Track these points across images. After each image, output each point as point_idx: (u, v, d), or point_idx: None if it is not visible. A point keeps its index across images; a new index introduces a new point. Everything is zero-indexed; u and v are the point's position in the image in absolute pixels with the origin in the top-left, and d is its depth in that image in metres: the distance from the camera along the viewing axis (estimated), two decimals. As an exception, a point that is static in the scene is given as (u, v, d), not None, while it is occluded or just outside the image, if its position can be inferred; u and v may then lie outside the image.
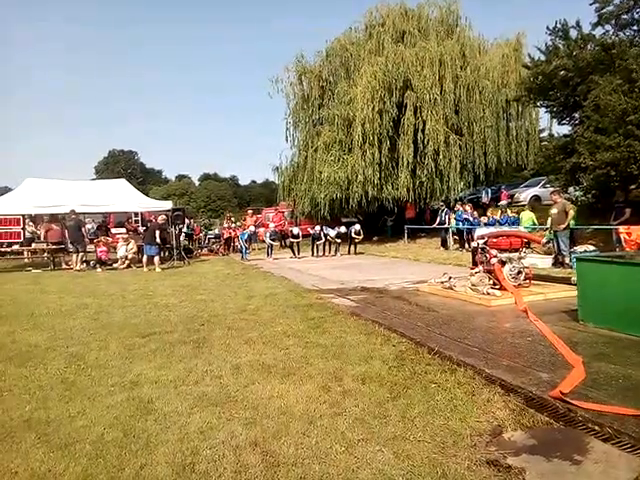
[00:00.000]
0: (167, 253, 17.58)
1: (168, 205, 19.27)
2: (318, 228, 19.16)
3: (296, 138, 25.18)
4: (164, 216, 16.83)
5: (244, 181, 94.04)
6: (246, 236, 19.47)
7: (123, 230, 20.90)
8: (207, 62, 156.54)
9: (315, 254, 18.92)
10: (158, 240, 15.38)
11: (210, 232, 25.30)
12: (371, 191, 20.19)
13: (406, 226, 21.30)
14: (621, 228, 11.45)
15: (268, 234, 19.37)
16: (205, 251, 23.17)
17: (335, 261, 16.95)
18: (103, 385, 4.26)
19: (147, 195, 26.05)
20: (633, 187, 13.23)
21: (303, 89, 24.79)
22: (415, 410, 3.42)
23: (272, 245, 19.11)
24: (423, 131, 19.96)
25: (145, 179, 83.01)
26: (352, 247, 19.61)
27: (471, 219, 17.35)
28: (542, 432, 3.07)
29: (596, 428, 3.01)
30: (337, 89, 22.93)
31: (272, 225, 20.86)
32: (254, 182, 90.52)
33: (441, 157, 20.03)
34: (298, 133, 25.15)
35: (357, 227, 19.37)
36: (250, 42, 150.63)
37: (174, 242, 17.18)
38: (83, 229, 15.98)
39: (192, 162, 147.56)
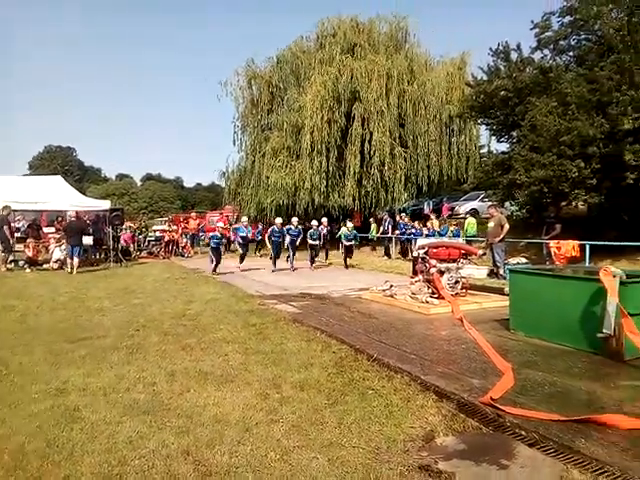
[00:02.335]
0: (103, 254, 16.82)
1: (106, 204, 18.42)
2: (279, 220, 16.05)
3: (244, 142, 25.13)
4: (73, 212, 15.77)
5: (189, 183, 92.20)
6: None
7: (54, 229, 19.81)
8: (155, 62, 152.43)
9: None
10: (89, 241, 14.51)
11: (150, 235, 24.32)
12: (318, 198, 20.35)
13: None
14: (551, 242, 12.07)
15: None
16: (145, 254, 22.34)
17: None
18: (26, 392, 4.00)
19: (84, 194, 24.86)
20: (564, 204, 14.00)
21: (252, 93, 24.73)
22: (352, 416, 3.44)
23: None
24: (370, 142, 20.35)
25: (83, 177, 79.58)
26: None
27: (413, 230, 17.77)
28: (472, 437, 3.16)
29: (523, 433, 3.13)
30: (287, 96, 23.02)
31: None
32: (199, 185, 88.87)
33: (386, 168, 20.50)
34: (246, 137, 25.09)
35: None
36: (200, 45, 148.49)
37: (111, 243, 16.45)
38: (5, 227, 14.72)
39: (134, 161, 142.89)
